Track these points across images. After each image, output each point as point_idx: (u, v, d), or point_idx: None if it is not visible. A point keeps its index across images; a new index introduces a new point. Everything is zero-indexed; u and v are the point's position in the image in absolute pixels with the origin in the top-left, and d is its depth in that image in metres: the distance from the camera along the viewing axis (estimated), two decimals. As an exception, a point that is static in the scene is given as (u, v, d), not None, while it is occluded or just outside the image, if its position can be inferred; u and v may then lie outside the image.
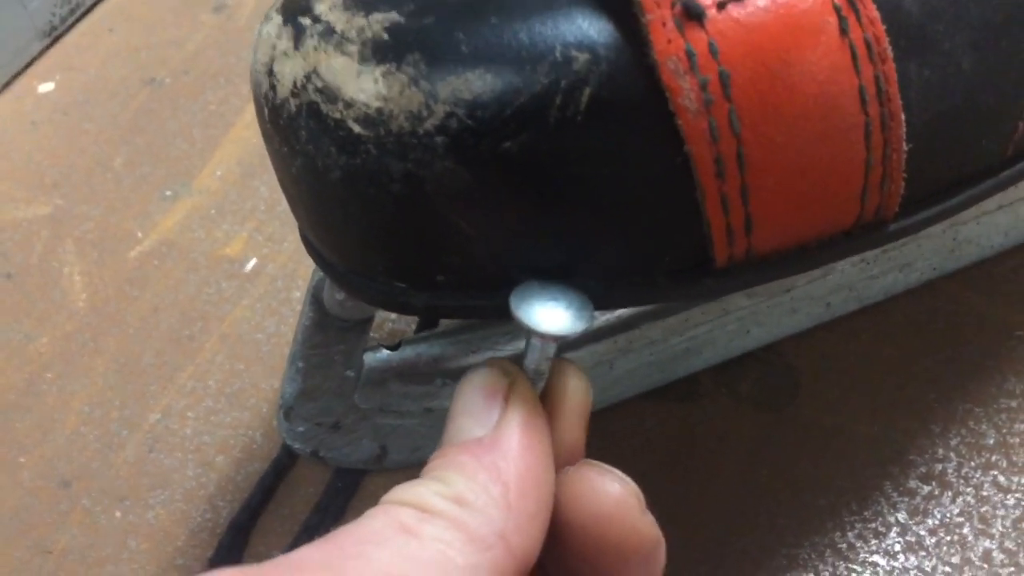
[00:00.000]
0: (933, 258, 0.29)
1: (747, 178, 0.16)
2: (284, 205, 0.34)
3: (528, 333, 0.17)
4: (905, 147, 0.16)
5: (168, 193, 0.35)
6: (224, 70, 0.39)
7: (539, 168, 0.16)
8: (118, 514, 0.26)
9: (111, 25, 0.41)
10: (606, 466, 0.17)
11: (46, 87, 0.39)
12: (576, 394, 0.18)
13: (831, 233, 0.18)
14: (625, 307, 0.23)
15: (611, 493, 0.16)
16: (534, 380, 0.17)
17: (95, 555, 0.25)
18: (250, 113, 0.37)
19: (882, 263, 0.28)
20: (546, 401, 0.18)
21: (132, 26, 0.41)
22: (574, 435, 0.18)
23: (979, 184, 0.18)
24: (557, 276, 0.17)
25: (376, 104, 0.16)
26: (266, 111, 0.18)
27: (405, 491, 0.15)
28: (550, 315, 0.16)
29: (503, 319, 0.17)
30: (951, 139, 0.17)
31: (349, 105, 0.16)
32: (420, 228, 0.17)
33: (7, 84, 0.39)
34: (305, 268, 0.32)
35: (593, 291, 0.17)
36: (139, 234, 0.33)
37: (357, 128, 0.16)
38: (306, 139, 0.17)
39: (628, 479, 0.17)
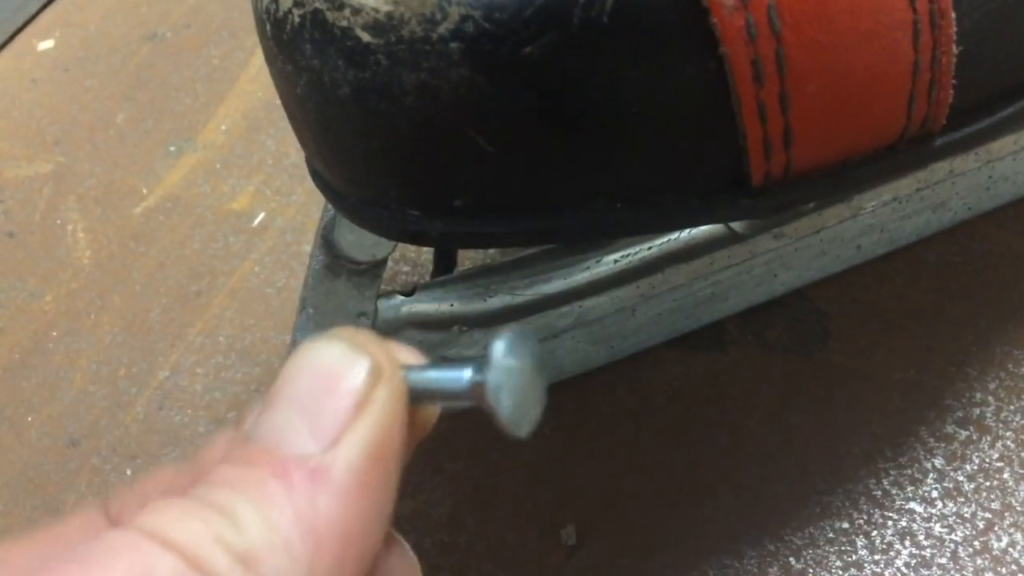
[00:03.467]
0: (968, 196, 0.28)
1: (787, 83, 0.15)
2: (292, 158, 0.34)
3: (477, 373, 0.12)
4: (955, 49, 0.15)
5: (172, 148, 0.34)
6: (227, 23, 0.38)
7: (562, 75, 0.15)
8: (128, 472, 0.26)
9: (111, -20, 0.40)
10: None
11: (46, 44, 0.38)
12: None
13: (875, 148, 0.16)
14: (655, 231, 0.22)
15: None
16: (416, 397, 0.13)
17: (104, 512, 0.25)
18: (254, 66, 0.36)
19: (915, 202, 0.27)
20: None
21: (132, -19, 0.40)
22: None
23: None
24: (580, 196, 0.16)
25: (385, 8, 0.15)
26: (268, 27, 0.17)
27: (176, 521, 0.11)
28: (513, 390, 0.12)
29: (522, 247, 0.16)
30: (1002, 41, 0.16)
31: (356, 11, 0.15)
32: (435, 146, 0.16)
33: (6, 42, 0.38)
34: (314, 221, 0.31)
35: (620, 215, 0.16)
36: (143, 190, 0.33)
37: (365, 36, 0.15)
38: (311, 53, 0.16)
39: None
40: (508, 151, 0.15)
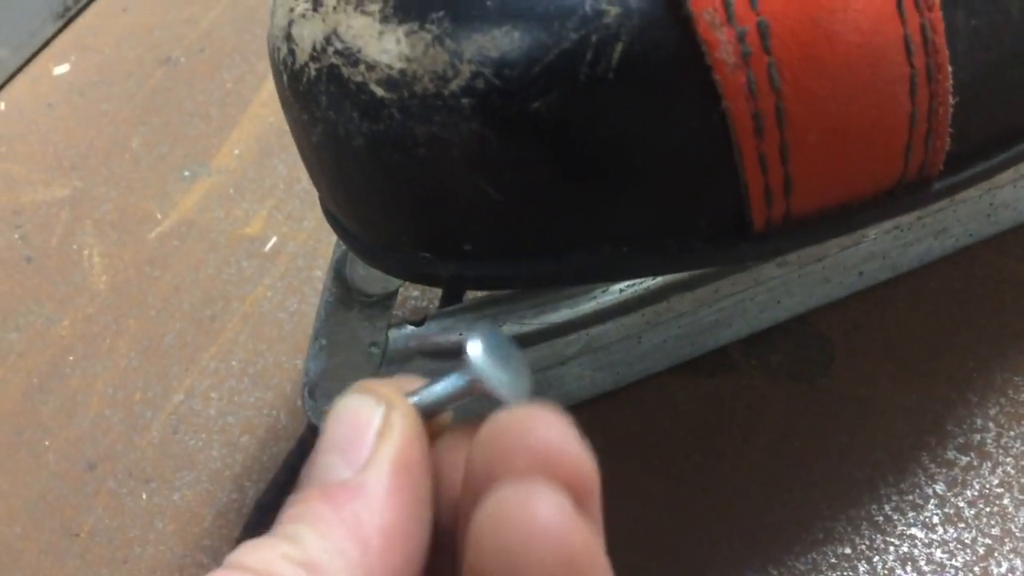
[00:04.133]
0: (969, 224, 0.28)
1: (787, 135, 0.15)
2: (303, 183, 0.34)
3: (466, 372, 0.15)
4: (952, 100, 0.16)
5: (186, 173, 0.34)
6: (239, 47, 0.38)
7: (569, 129, 0.15)
8: (144, 496, 0.26)
9: (124, 5, 0.41)
10: (531, 481, 0.13)
11: (61, 69, 0.38)
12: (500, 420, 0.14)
13: (873, 193, 0.17)
14: (659, 274, 0.22)
15: (535, 518, 0.13)
16: (429, 411, 0.15)
17: (122, 537, 0.25)
18: (267, 91, 0.37)
19: (916, 230, 0.27)
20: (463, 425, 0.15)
21: (146, 5, 0.40)
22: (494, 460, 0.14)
23: (1027, 140, 0.18)
24: (587, 241, 0.16)
25: (399, 65, 0.15)
26: (285, 78, 0.17)
27: (251, 553, 0.13)
28: (500, 370, 0.15)
29: (530, 289, 0.16)
30: (999, 91, 0.17)
31: (371, 67, 0.15)
32: (446, 194, 0.16)
33: (22, 67, 0.39)
34: (326, 246, 0.32)
35: (625, 259, 0.17)
36: (158, 215, 0.33)
37: (380, 91, 0.15)
38: (327, 105, 0.16)
39: (554, 492, 0.13)
40: (516, 200, 0.16)
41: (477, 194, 0.16)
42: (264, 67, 0.38)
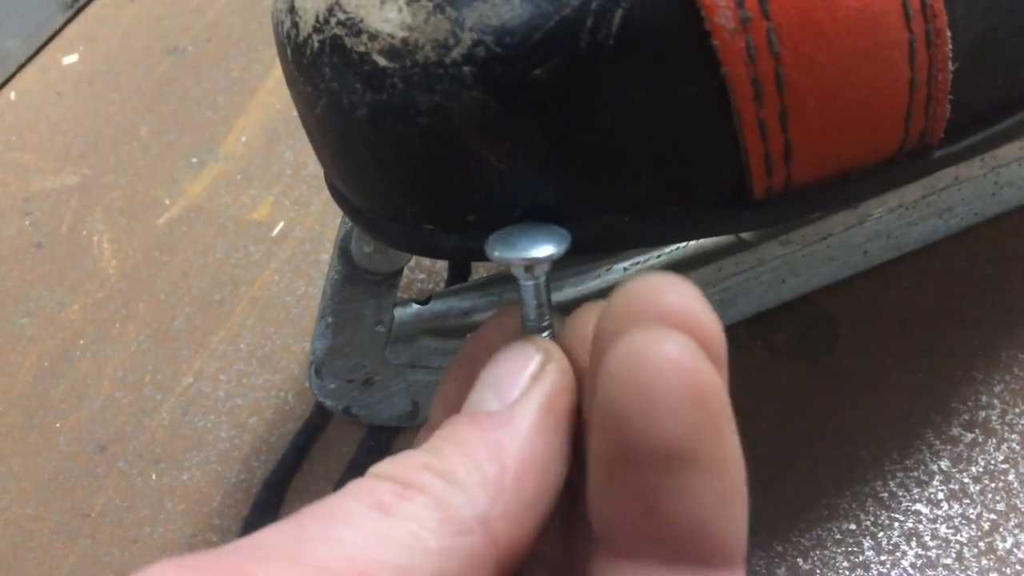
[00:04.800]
0: (974, 203, 0.28)
1: (786, 101, 0.15)
2: (310, 169, 0.34)
3: (514, 271, 0.16)
4: (951, 66, 0.16)
5: (194, 160, 0.35)
6: (246, 36, 0.38)
7: (570, 96, 0.15)
8: (154, 476, 0.26)
9: (132, -4, 0.41)
10: (663, 328, 0.13)
11: (70, 59, 0.39)
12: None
13: (874, 162, 0.17)
14: (661, 243, 0.22)
15: (669, 355, 0.13)
16: (543, 330, 0.17)
17: (132, 517, 0.26)
18: (273, 79, 0.37)
19: (921, 208, 0.27)
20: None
21: (153, -4, 0.41)
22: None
23: (1028, 109, 0.18)
24: (591, 209, 0.17)
25: (401, 34, 0.15)
26: (289, 51, 0.17)
27: (393, 462, 0.14)
28: (527, 244, 0.16)
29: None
30: (999, 58, 0.17)
31: (373, 37, 0.15)
32: (448, 164, 0.16)
33: (32, 57, 0.39)
34: (332, 230, 0.32)
35: (627, 227, 0.17)
36: (167, 201, 0.33)
37: (382, 61, 0.16)
38: (330, 76, 0.16)
39: (685, 337, 0.13)
40: (518, 168, 0.16)
41: (479, 163, 0.16)
42: (270, 56, 0.38)
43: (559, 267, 0.25)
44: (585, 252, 0.18)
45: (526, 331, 0.17)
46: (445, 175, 0.17)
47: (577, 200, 0.17)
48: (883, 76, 0.16)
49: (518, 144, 0.16)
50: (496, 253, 0.16)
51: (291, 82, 0.18)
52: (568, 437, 0.15)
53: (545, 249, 0.16)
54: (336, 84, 0.16)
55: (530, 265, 0.16)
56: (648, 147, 0.16)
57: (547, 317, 0.17)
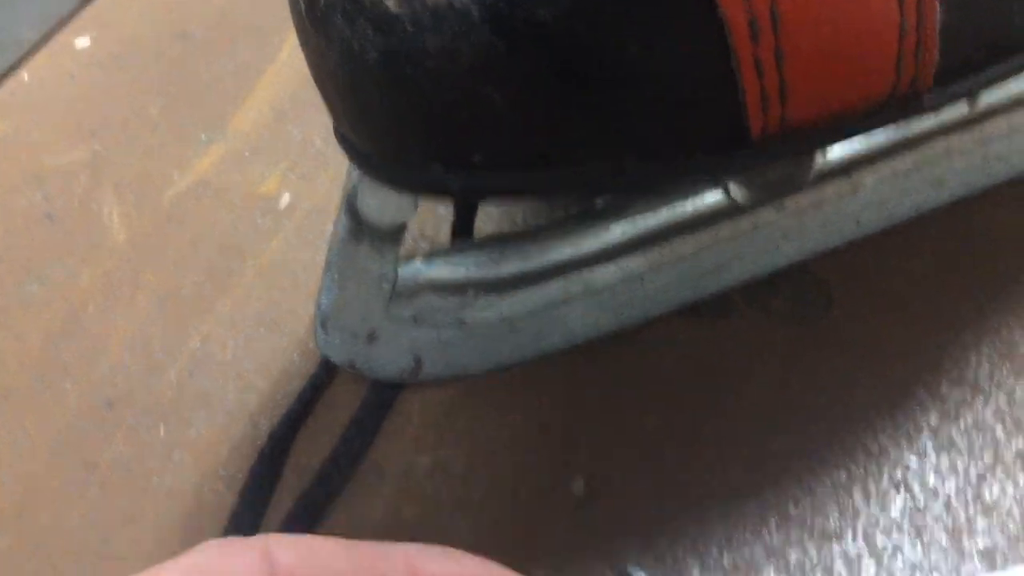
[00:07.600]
0: (965, 175, 0.29)
1: (781, 41, 0.16)
2: (316, 146, 0.35)
3: None
4: (939, 10, 0.17)
5: (203, 137, 0.35)
6: (253, 21, 0.39)
7: (573, 37, 0.16)
8: (162, 431, 0.27)
9: (143, -18, 0.42)
10: None
11: (83, 42, 0.40)
12: None
13: (865, 107, 0.18)
14: (660, 185, 0.23)
15: None
16: None
17: (141, 468, 0.26)
18: (281, 61, 0.38)
19: (913, 179, 0.28)
20: None
21: (164, -18, 0.42)
22: None
23: (1014, 57, 0.19)
24: (591, 151, 0.17)
25: (412, -24, 0.16)
26: (302, 6, 0.18)
27: None
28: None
29: (536, 201, 0.17)
30: (986, 4, 0.17)
31: (385, -21, 0.16)
32: (455, 105, 0.17)
33: (45, 40, 0.40)
34: (337, 203, 0.33)
35: (629, 168, 0.18)
36: (176, 176, 0.34)
37: (393, 5, 0.16)
38: (342, 24, 0.17)
39: None
40: (522, 109, 0.17)
41: (485, 104, 0.17)
42: (277, 40, 0.39)
43: (558, 229, 0.25)
44: (586, 193, 0.18)
45: None
46: (452, 116, 0.17)
47: (579, 141, 0.17)
48: (873, 20, 0.16)
49: (523, 86, 0.17)
50: None
51: (304, 40, 0.19)
52: None
53: None
54: (348, 31, 0.17)
55: None
56: (648, 89, 0.17)
57: None
